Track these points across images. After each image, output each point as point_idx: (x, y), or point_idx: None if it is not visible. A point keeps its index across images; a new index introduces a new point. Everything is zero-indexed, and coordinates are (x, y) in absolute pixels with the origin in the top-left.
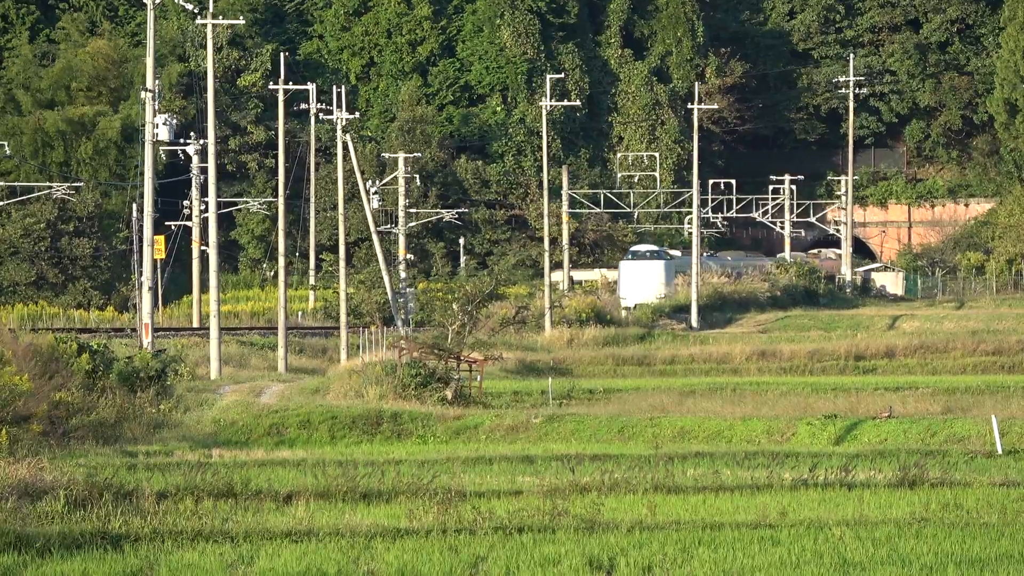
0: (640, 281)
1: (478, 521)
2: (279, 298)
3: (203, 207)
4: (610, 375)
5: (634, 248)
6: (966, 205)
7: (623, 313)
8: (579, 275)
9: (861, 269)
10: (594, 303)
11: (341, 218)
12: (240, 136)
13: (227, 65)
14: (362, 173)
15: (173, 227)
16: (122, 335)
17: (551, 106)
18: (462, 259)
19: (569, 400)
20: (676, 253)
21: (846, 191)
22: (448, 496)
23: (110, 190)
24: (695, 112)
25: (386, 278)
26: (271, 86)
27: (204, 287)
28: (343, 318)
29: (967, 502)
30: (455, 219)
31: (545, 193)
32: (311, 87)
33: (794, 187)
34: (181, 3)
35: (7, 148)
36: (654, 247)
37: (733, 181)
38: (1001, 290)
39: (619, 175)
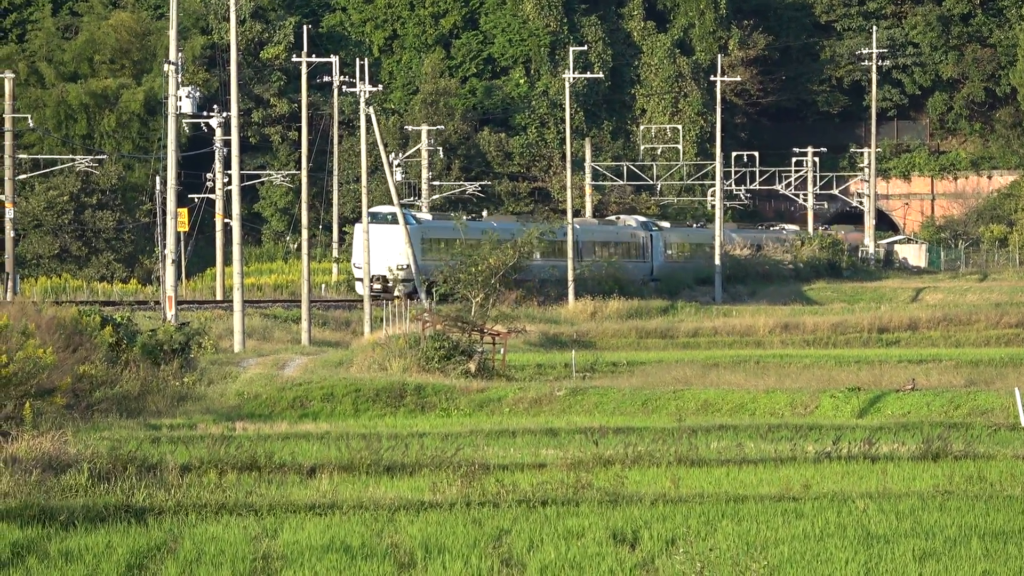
0: (378, 249)
1: (502, 494)
2: (302, 271)
3: (226, 180)
4: (633, 348)
5: (373, 209)
6: (989, 177)
7: (357, 287)
8: None
9: (884, 241)
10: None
11: (364, 191)
12: (263, 109)
13: (250, 38)
14: (385, 146)
15: (196, 200)
16: (145, 308)
17: (574, 78)
18: None
19: (592, 373)
20: (427, 217)
21: (869, 163)
22: (472, 469)
23: (133, 163)
24: (718, 84)
25: (409, 251)
26: (294, 59)
27: (227, 260)
28: (366, 291)
29: (990, 475)
30: (478, 192)
31: (568, 165)
32: (334, 60)
33: (817, 159)
34: None
35: (30, 121)
36: (394, 209)
37: (756, 153)
38: None
39: (642, 147)
